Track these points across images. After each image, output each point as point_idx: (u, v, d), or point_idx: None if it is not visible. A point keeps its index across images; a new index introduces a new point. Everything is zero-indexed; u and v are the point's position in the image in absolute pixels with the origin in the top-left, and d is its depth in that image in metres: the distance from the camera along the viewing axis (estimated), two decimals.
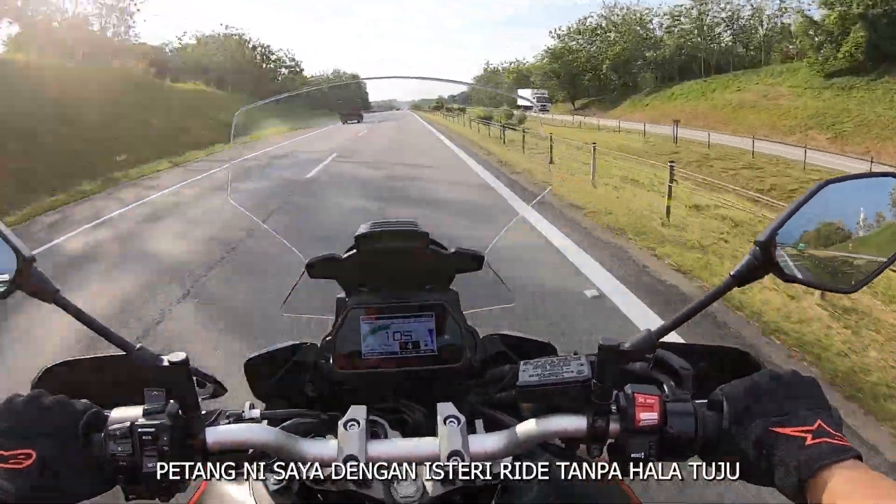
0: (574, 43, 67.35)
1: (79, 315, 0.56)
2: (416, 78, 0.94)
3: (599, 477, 0.61)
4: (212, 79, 44.11)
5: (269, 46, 67.30)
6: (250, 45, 63.06)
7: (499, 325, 0.82)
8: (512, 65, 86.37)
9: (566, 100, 67.72)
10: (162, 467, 0.53)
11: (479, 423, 0.67)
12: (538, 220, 6.35)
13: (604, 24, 64.54)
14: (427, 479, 0.67)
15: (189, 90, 35.19)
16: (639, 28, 61.64)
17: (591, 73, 64.37)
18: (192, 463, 0.57)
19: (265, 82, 58.02)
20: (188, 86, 36.73)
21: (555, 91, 68.98)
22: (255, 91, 49.41)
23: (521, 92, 56.95)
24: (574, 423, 0.57)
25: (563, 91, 68.49)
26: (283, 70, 71.20)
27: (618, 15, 63.27)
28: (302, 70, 74.69)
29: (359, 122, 33.04)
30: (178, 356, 0.55)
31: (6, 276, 0.55)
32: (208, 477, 0.60)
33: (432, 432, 0.60)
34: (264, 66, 64.46)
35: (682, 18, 57.08)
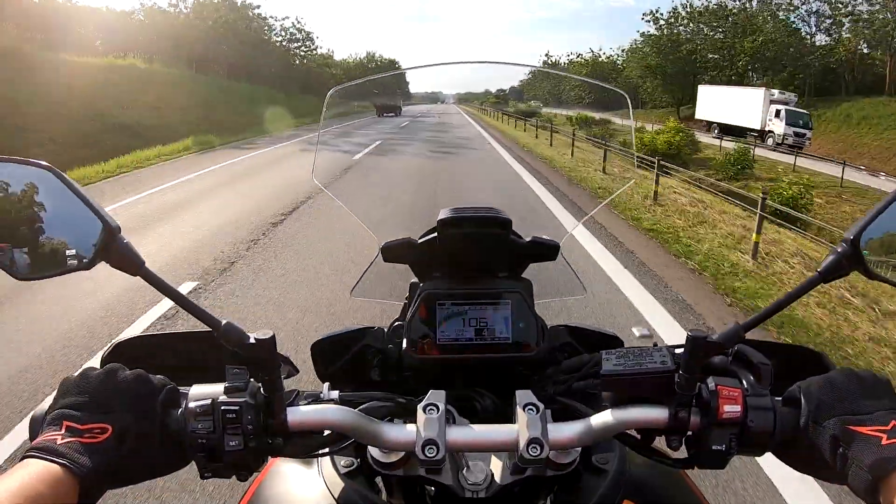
0: (684, 28, 50.34)
1: (165, 289, 0.55)
2: (476, 63, 0.91)
3: (668, 471, 0.61)
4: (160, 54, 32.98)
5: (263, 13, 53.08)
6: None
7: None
8: (580, 57, 68.37)
9: (670, 105, 51.34)
10: (244, 446, 0.53)
11: (547, 413, 0.67)
12: None
13: (732, 7, 46.84)
14: (495, 468, 0.68)
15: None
16: (785, 17, 43.85)
17: (716, 71, 46.20)
18: (272, 442, 0.57)
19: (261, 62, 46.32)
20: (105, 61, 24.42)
21: (655, 93, 53.43)
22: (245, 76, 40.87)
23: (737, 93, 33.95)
24: (656, 413, 0.57)
25: (665, 93, 52.07)
26: (293, 46, 58.45)
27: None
28: (315, 46, 62.72)
29: (397, 115, 27.37)
30: (266, 333, 0.54)
31: (92, 247, 0.54)
32: (286, 457, 0.60)
33: (500, 420, 0.60)
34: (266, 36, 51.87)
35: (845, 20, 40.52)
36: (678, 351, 0.58)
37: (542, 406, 0.58)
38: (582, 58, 64.04)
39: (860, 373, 0.56)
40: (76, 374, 0.54)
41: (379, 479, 0.72)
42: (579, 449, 0.66)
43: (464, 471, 0.66)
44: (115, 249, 0.54)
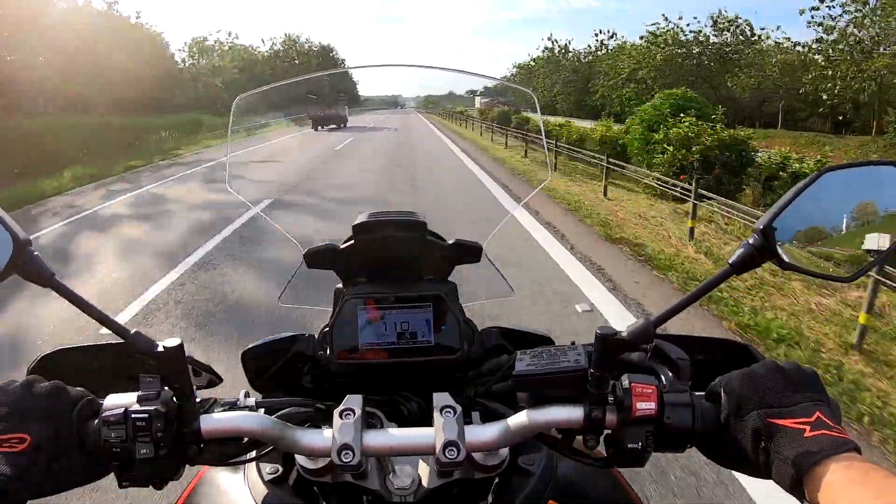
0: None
1: (75, 300, 0.56)
2: (434, 69, 0.90)
3: (596, 468, 0.60)
4: None
5: None
6: None
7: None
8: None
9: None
10: (155, 454, 0.53)
11: (475, 415, 0.67)
12: None
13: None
14: (423, 472, 0.67)
15: None
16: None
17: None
18: (186, 450, 0.57)
19: None
20: None
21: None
22: None
23: None
24: (571, 413, 0.56)
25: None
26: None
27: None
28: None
29: (340, 128, 18.98)
30: (173, 342, 0.55)
31: (2, 259, 0.54)
32: (202, 465, 0.59)
33: (428, 424, 0.60)
34: None
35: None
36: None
37: (458, 408, 0.58)
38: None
39: (783, 365, 0.55)
40: None
41: (316, 488, 0.72)
42: (506, 451, 0.65)
43: (390, 475, 0.66)
44: (25, 261, 0.54)
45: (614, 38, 55.37)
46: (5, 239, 0.54)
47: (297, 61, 63.94)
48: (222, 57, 50.81)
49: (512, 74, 78.14)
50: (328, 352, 0.72)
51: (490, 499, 0.69)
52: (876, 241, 0.57)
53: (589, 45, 62.70)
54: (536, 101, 0.91)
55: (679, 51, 40.65)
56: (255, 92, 0.84)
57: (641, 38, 43.55)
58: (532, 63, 67.10)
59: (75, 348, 0.70)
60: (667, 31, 41.38)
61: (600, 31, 58.80)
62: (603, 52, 54.11)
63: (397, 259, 0.73)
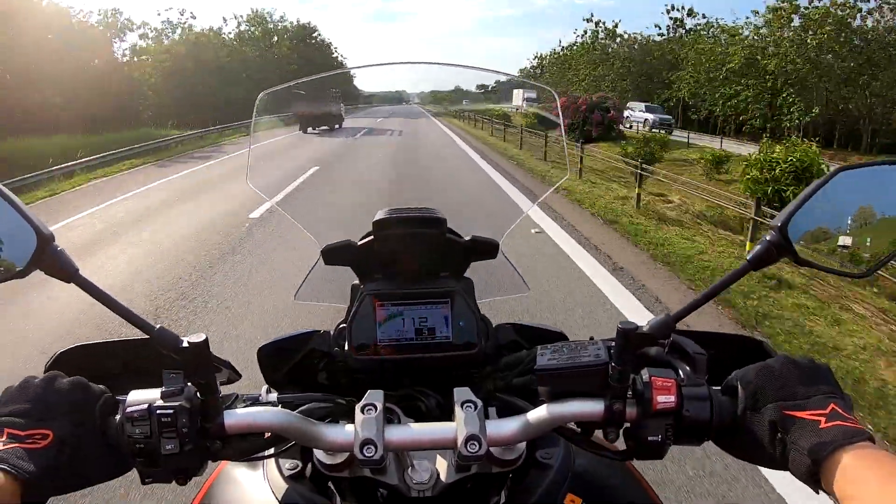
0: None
1: (98, 295, 0.56)
2: (415, 63, 0.89)
3: (613, 462, 0.61)
4: None
5: None
6: None
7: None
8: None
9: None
10: (180, 450, 0.53)
11: (492, 411, 0.68)
12: None
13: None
14: (441, 466, 0.68)
15: None
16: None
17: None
18: (210, 446, 0.57)
19: None
20: None
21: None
22: None
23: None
24: (591, 406, 0.57)
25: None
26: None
27: None
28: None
29: (334, 129, 10.48)
30: (198, 337, 0.55)
31: (26, 255, 0.54)
32: (225, 461, 0.60)
33: (445, 419, 0.60)
34: None
35: None
36: (614, 343, 0.58)
37: (479, 403, 0.59)
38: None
39: (797, 359, 0.56)
40: (17, 383, 0.55)
41: (331, 483, 0.72)
42: (524, 445, 0.66)
43: (409, 470, 0.66)
44: (49, 257, 0.54)
45: (692, 15, 43.35)
46: (29, 235, 0.54)
47: (265, 43, 51.22)
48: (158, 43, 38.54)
49: (532, 68, 69.24)
50: (345, 348, 0.73)
51: (506, 493, 0.69)
52: (890, 236, 0.58)
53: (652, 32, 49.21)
54: (557, 98, 0.91)
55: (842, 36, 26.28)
56: (280, 88, 0.84)
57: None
58: (565, 52, 55.57)
59: (93, 344, 0.70)
60: (821, 7, 27.19)
61: (672, 8, 44.39)
62: (679, 34, 43.00)
63: (415, 256, 0.74)
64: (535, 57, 73.66)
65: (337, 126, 8.75)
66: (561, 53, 58.78)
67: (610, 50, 47.14)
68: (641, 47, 45.27)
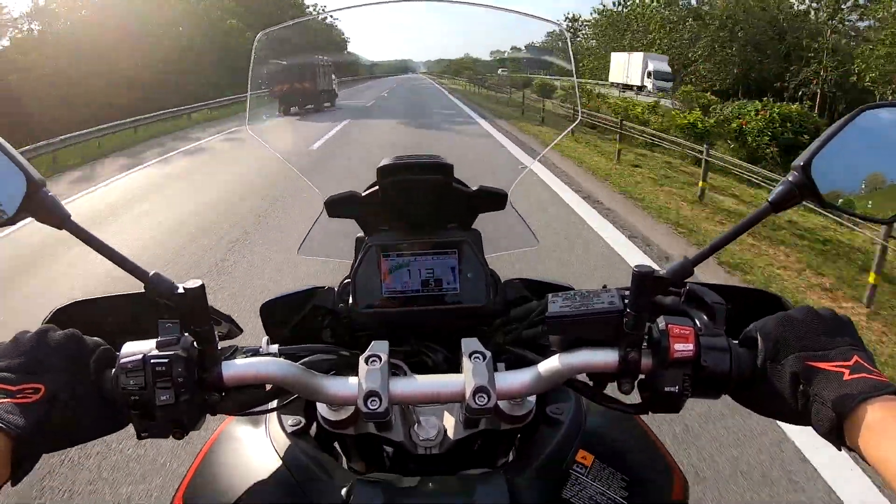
0: None
1: (91, 241, 0.54)
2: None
3: (626, 416, 0.59)
4: None
5: None
6: None
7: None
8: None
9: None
10: (175, 400, 0.51)
11: (501, 366, 0.65)
12: None
13: None
14: (448, 423, 0.66)
15: None
16: None
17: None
18: (207, 398, 0.55)
19: None
20: None
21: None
22: None
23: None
24: (605, 356, 0.55)
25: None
26: None
27: None
28: None
29: (324, 109, 8.69)
30: (195, 283, 0.53)
31: (15, 201, 0.52)
32: (224, 414, 0.58)
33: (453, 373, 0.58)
34: None
35: None
36: (627, 292, 0.56)
37: (488, 353, 0.56)
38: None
39: (820, 310, 0.54)
40: (10, 338, 0.53)
41: (337, 444, 0.70)
42: (533, 400, 0.64)
43: (415, 427, 0.64)
44: (39, 203, 0.52)
45: None
46: (19, 180, 0.52)
47: None
48: None
49: (569, 27, 54.81)
50: (350, 303, 0.70)
51: (515, 449, 0.68)
52: None
53: None
54: (569, 38, 0.87)
55: None
56: (278, 28, 0.80)
57: None
58: (625, 9, 42.82)
59: (90, 300, 0.68)
60: None
61: None
62: None
63: (421, 205, 0.71)
64: (567, 18, 59.73)
65: (328, 105, 7.42)
66: (617, 11, 45.52)
67: (701, 12, 34.76)
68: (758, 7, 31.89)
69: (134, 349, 0.53)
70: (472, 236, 0.72)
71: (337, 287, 0.74)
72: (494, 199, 0.72)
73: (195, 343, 0.54)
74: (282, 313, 0.73)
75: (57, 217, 0.53)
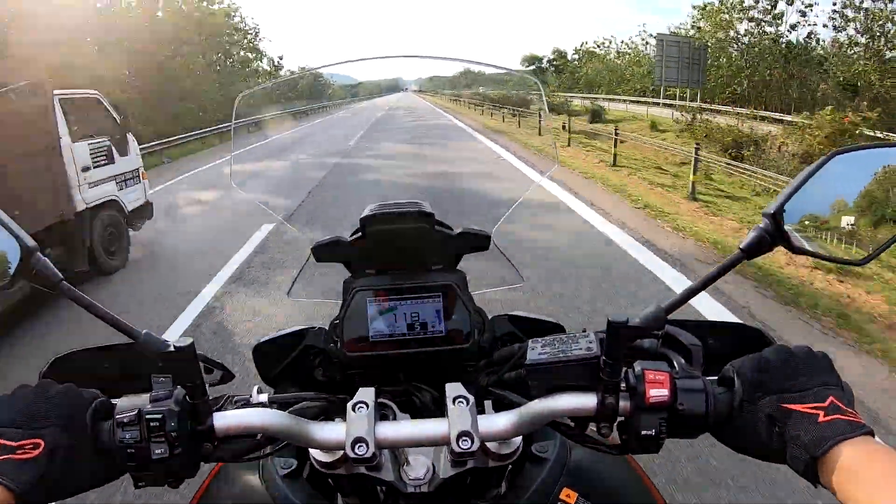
0: None
1: (84, 303, 0.56)
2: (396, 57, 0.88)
3: (610, 455, 0.61)
4: None
5: None
6: None
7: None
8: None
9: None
10: (170, 453, 0.53)
11: (487, 404, 0.67)
12: None
13: None
14: (438, 461, 0.68)
15: None
16: None
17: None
18: (201, 448, 0.57)
19: None
20: None
21: None
22: None
23: None
24: (584, 400, 0.56)
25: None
26: None
27: None
28: None
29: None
30: (185, 341, 0.55)
31: (10, 267, 0.54)
32: (218, 463, 0.60)
33: (441, 414, 0.60)
34: None
35: None
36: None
37: (471, 398, 0.58)
38: None
39: (795, 349, 0.55)
40: (10, 392, 0.55)
41: (331, 480, 0.72)
42: (519, 439, 0.66)
43: (404, 466, 0.66)
44: (33, 268, 0.54)
45: None
46: (12, 246, 0.54)
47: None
48: None
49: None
50: (339, 344, 0.72)
51: (504, 486, 0.69)
52: (887, 221, 0.57)
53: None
54: (541, 88, 0.89)
55: None
56: (258, 89, 0.82)
57: None
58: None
59: (87, 349, 0.70)
60: None
61: None
62: None
63: (405, 250, 0.73)
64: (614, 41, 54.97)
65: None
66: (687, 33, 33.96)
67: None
68: None
69: (129, 404, 0.55)
70: (458, 278, 0.74)
71: (328, 327, 0.76)
72: (478, 241, 0.74)
73: (187, 397, 0.56)
74: (274, 353, 0.75)
75: (50, 280, 0.55)
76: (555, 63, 59.91)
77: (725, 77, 30.09)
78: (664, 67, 27.26)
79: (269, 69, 42.09)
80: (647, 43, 41.22)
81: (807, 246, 0.57)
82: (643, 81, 33.76)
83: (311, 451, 0.66)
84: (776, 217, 0.55)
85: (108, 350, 0.70)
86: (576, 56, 55.43)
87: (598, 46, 50.29)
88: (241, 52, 34.15)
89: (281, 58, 44.47)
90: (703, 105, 24.04)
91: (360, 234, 0.72)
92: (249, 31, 34.23)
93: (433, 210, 0.71)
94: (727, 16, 31.53)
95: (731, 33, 31.52)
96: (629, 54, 44.09)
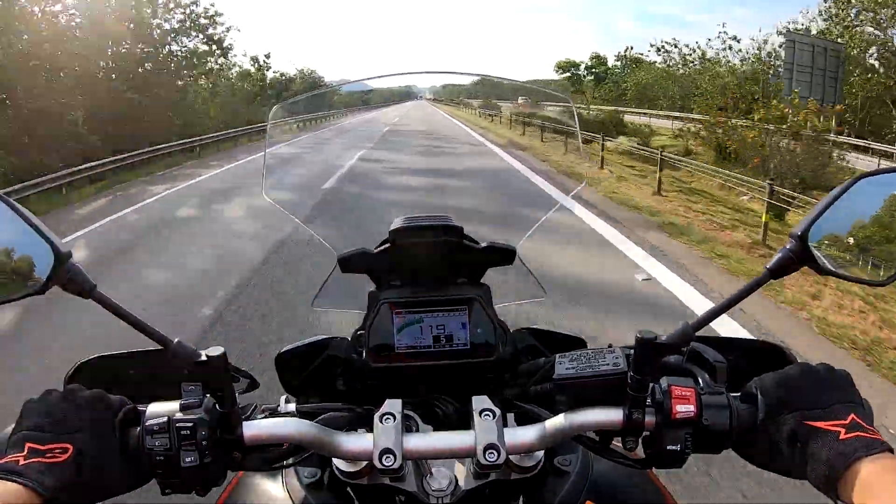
0: None
1: (117, 311, 0.56)
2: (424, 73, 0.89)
3: (632, 470, 0.61)
4: None
5: None
6: None
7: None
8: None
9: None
10: (200, 461, 0.54)
11: (510, 417, 0.68)
12: None
13: None
14: (459, 473, 0.68)
15: None
16: None
17: None
18: (230, 457, 0.57)
19: None
20: None
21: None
22: None
23: None
24: (610, 415, 0.57)
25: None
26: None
27: None
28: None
29: None
30: (216, 350, 0.55)
31: (44, 272, 0.54)
32: (244, 471, 0.60)
33: (463, 426, 0.60)
34: None
35: None
36: (632, 352, 0.58)
37: (498, 411, 0.59)
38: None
39: (817, 367, 0.56)
40: (38, 396, 0.55)
41: (350, 490, 0.72)
42: (542, 452, 0.66)
43: (428, 477, 0.67)
44: (66, 274, 0.54)
45: None
46: (46, 252, 0.54)
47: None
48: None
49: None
50: (363, 355, 0.73)
51: (524, 499, 0.70)
52: None
53: None
54: (575, 114, 0.90)
55: None
56: (292, 101, 0.84)
57: None
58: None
59: (112, 355, 0.70)
60: None
61: None
62: None
63: (432, 263, 0.74)
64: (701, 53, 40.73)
65: None
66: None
67: None
68: None
69: (159, 410, 0.55)
70: (483, 291, 0.75)
71: (350, 337, 0.77)
72: (503, 255, 0.75)
73: (217, 406, 0.56)
74: (296, 362, 0.75)
75: (83, 287, 0.55)
76: (594, 70, 52.84)
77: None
78: (795, 77, 19.86)
79: (251, 69, 36.99)
80: (728, 47, 33.03)
81: (832, 266, 0.57)
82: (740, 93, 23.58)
83: (335, 460, 0.67)
84: (803, 238, 0.56)
85: (135, 356, 0.70)
86: (617, 63, 49.82)
87: (658, 51, 42.26)
88: (191, 43, 25.65)
89: (268, 56, 38.90)
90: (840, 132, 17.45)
91: (387, 245, 0.72)
92: (202, 16, 25.49)
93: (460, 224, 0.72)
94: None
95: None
96: (710, 61, 34.66)
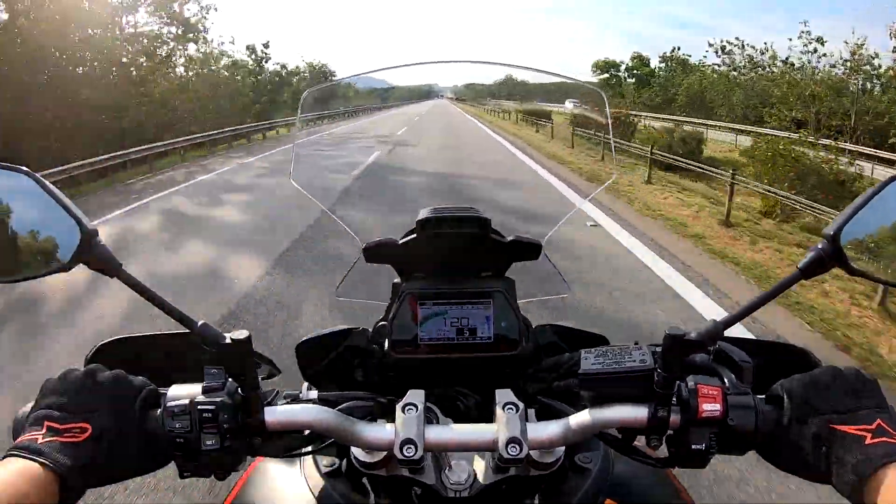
0: None
1: (142, 290, 0.56)
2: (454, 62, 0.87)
3: (652, 468, 0.61)
4: None
5: None
6: None
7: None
8: None
9: None
10: (220, 445, 0.53)
11: (531, 412, 0.67)
12: None
13: None
14: (478, 467, 0.67)
15: None
16: None
17: None
18: (250, 442, 0.57)
19: None
20: None
21: None
22: None
23: None
24: (635, 412, 0.56)
25: None
26: None
27: None
28: None
29: None
30: (241, 334, 0.55)
31: (70, 249, 0.54)
32: (264, 456, 0.60)
33: (484, 419, 0.60)
34: None
35: None
36: (659, 349, 0.57)
37: (521, 405, 0.58)
38: None
39: (845, 371, 0.55)
40: (57, 375, 0.55)
41: (366, 480, 0.72)
42: (563, 448, 0.66)
43: (446, 470, 0.66)
44: (92, 252, 0.54)
45: None
46: (72, 228, 0.54)
47: None
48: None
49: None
50: (385, 346, 0.72)
51: (541, 496, 0.69)
52: None
53: None
54: (605, 99, 0.89)
55: None
56: (323, 86, 0.84)
57: None
58: None
59: (133, 337, 0.70)
60: None
61: None
62: None
63: (457, 255, 0.73)
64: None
65: None
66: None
67: None
68: None
69: (180, 392, 0.55)
70: (507, 285, 0.74)
71: (371, 328, 0.76)
72: (529, 249, 0.74)
73: (240, 390, 0.56)
74: (316, 352, 0.75)
75: (109, 265, 0.55)
76: (636, 71, 45.02)
77: None
78: None
79: (248, 58, 32.46)
80: (813, 50, 25.44)
81: (862, 267, 0.57)
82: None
83: (353, 450, 0.66)
84: (834, 238, 0.55)
85: (155, 338, 0.70)
86: (661, 64, 42.94)
87: (718, 52, 35.30)
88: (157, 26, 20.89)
89: (266, 45, 34.39)
90: None
91: (413, 235, 0.72)
92: None
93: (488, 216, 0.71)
94: None
95: None
96: (792, 65, 27.47)
